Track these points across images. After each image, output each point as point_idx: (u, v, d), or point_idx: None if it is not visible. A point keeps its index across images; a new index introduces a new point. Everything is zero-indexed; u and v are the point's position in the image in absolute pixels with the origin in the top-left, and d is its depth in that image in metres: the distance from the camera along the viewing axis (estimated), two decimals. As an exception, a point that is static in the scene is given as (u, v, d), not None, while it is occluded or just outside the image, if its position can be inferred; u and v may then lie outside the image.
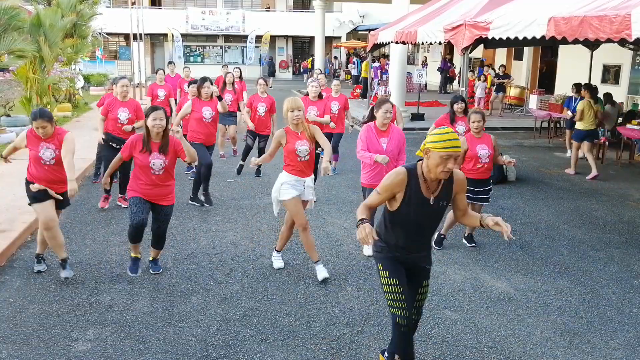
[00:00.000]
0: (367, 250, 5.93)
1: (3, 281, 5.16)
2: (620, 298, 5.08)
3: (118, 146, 7.00)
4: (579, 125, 9.89)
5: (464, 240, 6.40)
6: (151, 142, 4.97)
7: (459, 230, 6.64)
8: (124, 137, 7.07)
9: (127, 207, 6.88)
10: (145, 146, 4.95)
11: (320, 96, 8.30)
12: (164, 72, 11.21)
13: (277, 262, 5.63)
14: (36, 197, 4.98)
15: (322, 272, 5.29)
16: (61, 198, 5.06)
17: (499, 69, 18.42)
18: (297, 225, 5.23)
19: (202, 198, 7.63)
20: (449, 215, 6.16)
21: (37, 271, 5.33)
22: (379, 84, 19.20)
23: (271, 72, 30.62)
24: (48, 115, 4.88)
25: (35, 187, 4.95)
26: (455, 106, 7.28)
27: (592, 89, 10.50)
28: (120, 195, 7.50)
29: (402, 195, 3.27)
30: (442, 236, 6.28)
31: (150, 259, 5.43)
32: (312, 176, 5.42)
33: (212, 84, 7.50)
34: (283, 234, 5.53)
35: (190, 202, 7.67)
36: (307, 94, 8.29)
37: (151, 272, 5.35)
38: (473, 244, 6.32)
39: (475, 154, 6.04)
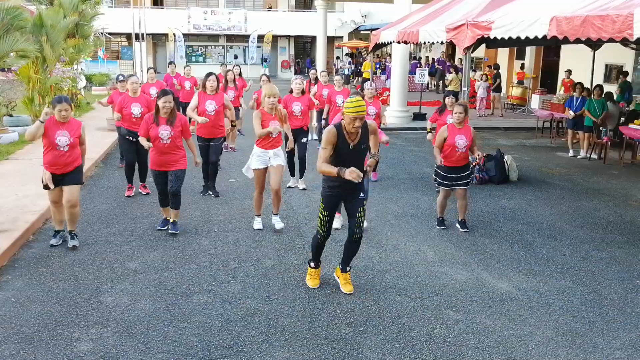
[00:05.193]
0: (337, 223, 6.55)
1: (5, 281, 5.17)
2: (623, 298, 5.07)
3: (134, 139, 7.85)
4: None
5: (457, 225, 6.81)
6: (160, 117, 6.23)
7: (458, 228, 6.65)
8: (137, 130, 7.59)
9: (146, 195, 8.15)
10: (155, 120, 6.23)
11: (302, 92, 8.46)
12: (155, 71, 12.04)
13: (257, 224, 6.66)
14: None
15: (278, 224, 6.59)
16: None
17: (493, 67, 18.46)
18: (256, 187, 6.55)
19: (210, 189, 8.30)
20: (439, 201, 6.88)
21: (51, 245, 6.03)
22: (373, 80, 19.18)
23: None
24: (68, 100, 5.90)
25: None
26: (447, 100, 8.22)
27: (457, 69, 18.05)
28: (140, 183, 8.25)
29: (336, 144, 4.59)
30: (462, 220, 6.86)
31: (171, 220, 6.48)
32: (279, 148, 6.52)
33: (217, 80, 7.95)
34: (255, 199, 6.61)
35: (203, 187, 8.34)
36: (291, 91, 8.47)
37: (169, 231, 6.40)
38: (465, 229, 6.75)
39: (453, 143, 6.55)
